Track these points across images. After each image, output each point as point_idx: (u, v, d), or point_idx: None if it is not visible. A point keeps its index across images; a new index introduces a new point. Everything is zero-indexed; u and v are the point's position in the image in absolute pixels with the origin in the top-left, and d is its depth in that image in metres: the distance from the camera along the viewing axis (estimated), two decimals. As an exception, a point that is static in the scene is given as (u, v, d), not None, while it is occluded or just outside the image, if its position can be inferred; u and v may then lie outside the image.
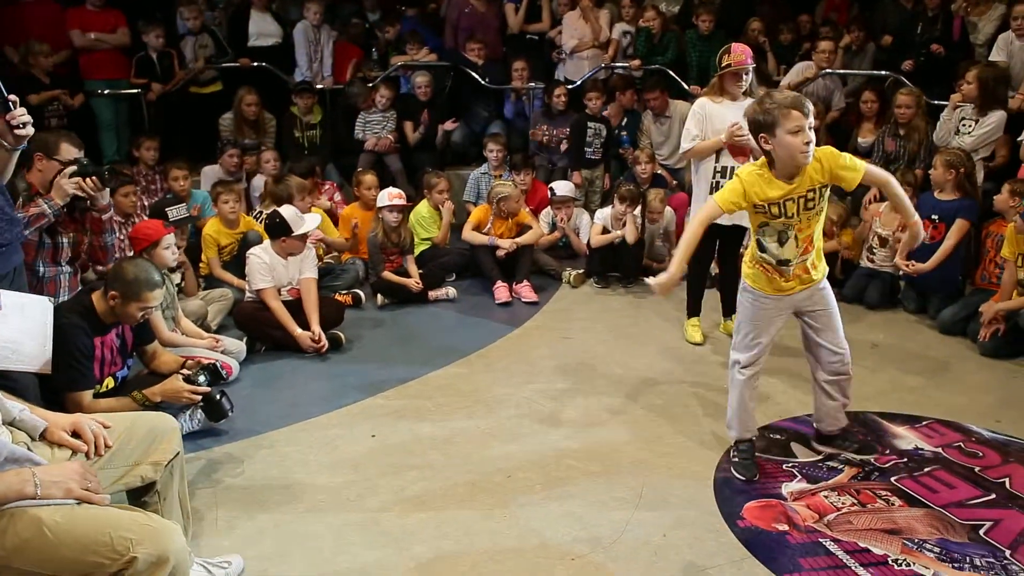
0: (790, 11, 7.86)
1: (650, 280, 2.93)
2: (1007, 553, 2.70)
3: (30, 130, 2.68)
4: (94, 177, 3.38)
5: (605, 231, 5.58)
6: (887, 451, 3.37)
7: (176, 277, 4.54)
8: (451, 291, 5.40)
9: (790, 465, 3.27)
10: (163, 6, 7.27)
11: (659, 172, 6.46)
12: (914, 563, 2.65)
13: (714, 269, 4.80)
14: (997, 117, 5.27)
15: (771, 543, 2.76)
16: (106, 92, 6.76)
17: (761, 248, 3.00)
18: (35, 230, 3.32)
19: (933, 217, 4.89)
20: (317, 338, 4.36)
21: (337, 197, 6.30)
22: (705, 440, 3.46)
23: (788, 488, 3.10)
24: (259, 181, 6.22)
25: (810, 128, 2.76)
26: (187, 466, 2.90)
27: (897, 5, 7.09)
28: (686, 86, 6.94)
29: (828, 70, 6.60)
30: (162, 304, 3.70)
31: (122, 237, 4.34)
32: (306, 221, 4.52)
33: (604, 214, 5.66)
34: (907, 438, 3.49)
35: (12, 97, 2.63)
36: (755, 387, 3.20)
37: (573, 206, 6.13)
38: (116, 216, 4.11)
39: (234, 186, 5.50)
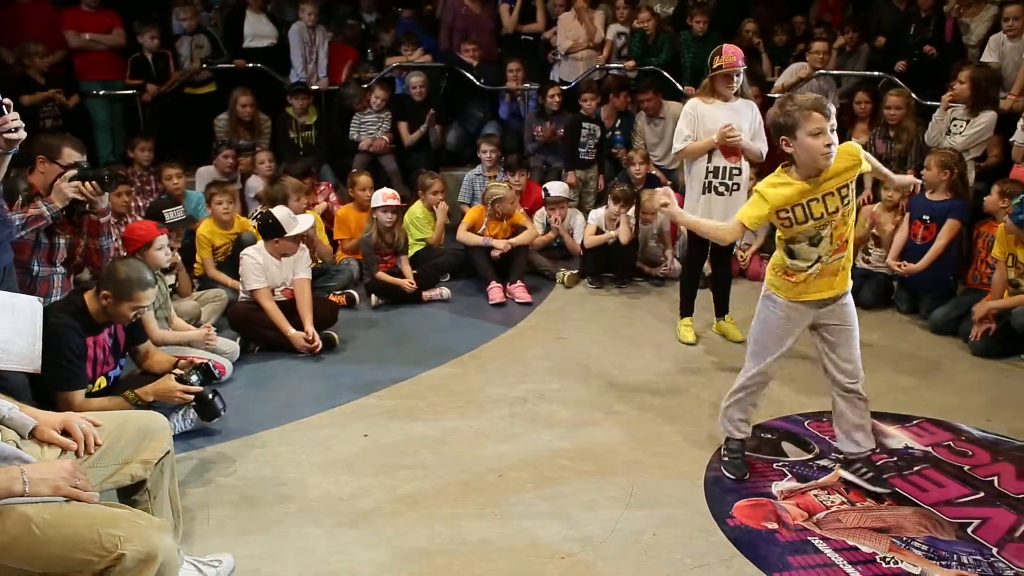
0: (784, 12, 7.89)
1: (660, 190, 3.00)
2: (994, 551, 2.72)
3: (22, 134, 2.66)
4: (94, 181, 3.40)
5: (599, 232, 5.58)
6: (877, 450, 3.38)
7: (170, 278, 4.55)
8: (445, 291, 5.41)
9: (780, 464, 3.29)
10: (158, 7, 7.28)
11: (653, 173, 6.47)
12: (902, 561, 2.66)
13: (707, 269, 4.81)
14: (988, 117, 5.30)
15: (760, 542, 2.77)
16: (101, 93, 6.76)
17: (791, 255, 2.91)
18: (32, 231, 3.33)
19: (924, 217, 4.92)
20: (311, 338, 4.36)
21: (332, 198, 6.31)
22: (698, 440, 3.46)
23: (778, 487, 3.11)
24: (254, 182, 6.23)
25: (832, 130, 2.74)
26: (179, 465, 2.93)
27: (891, 6, 7.11)
28: (680, 87, 6.94)
29: (822, 71, 6.62)
30: (154, 304, 3.71)
31: (116, 239, 4.34)
32: (299, 222, 4.52)
33: (598, 215, 5.67)
34: (897, 437, 3.50)
35: (6, 101, 2.62)
36: (763, 395, 3.21)
37: (567, 207, 6.14)
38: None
39: (228, 187, 5.49)
